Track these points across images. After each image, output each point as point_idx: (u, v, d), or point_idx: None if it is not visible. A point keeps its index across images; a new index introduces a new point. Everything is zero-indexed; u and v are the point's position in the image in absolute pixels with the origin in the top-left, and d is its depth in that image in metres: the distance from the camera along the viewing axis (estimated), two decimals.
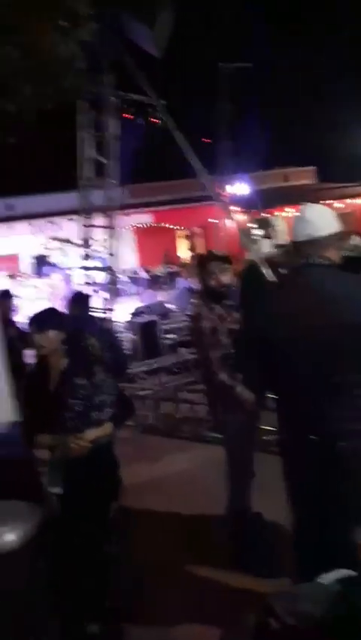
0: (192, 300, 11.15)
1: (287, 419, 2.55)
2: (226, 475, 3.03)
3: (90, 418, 2.43)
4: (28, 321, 2.68)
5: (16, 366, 3.66)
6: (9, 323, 4.32)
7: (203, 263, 3.01)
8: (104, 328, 4.86)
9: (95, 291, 8.15)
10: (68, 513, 2.53)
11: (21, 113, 2.99)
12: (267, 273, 3.48)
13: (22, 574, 1.84)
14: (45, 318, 2.67)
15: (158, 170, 15.24)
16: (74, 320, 3.80)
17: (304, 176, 16.55)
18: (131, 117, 7.79)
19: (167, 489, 4.05)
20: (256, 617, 1.15)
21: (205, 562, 3.12)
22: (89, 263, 8.22)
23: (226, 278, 2.88)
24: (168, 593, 2.86)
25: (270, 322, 2.53)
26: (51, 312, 2.79)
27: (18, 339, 4.04)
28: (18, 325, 4.45)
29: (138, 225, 16.19)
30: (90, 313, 4.45)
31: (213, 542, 3.30)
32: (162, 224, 17.35)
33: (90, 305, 4.48)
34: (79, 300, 4.26)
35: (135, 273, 15.36)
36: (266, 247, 5.59)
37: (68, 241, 15.17)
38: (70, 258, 14.51)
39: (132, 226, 15.60)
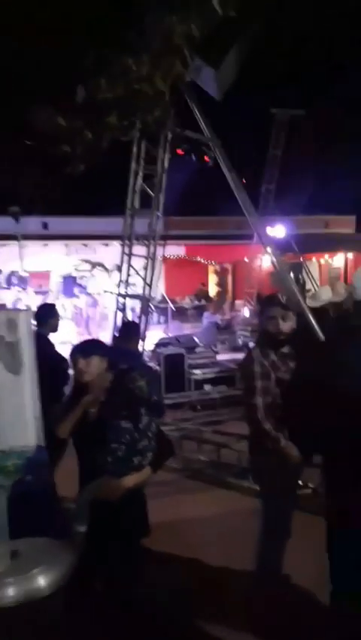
0: (218, 336, 11.14)
1: (337, 482, 2.43)
2: (260, 530, 2.89)
3: (131, 463, 2.34)
4: (72, 348, 2.64)
5: (52, 389, 3.59)
6: (49, 343, 4.24)
7: (264, 306, 2.94)
8: (148, 365, 4.69)
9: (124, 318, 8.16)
10: (92, 553, 2.42)
11: (98, 141, 3.02)
12: (317, 324, 3.38)
13: (50, 619, 1.72)
14: (91, 346, 2.66)
15: (195, 206, 15.45)
16: (122, 353, 3.70)
17: (344, 225, 16.53)
18: (182, 153, 7.95)
19: (184, 534, 3.88)
20: None
21: (220, 618, 2.95)
22: (123, 289, 8.24)
23: (287, 325, 2.80)
24: None
25: (326, 377, 2.43)
26: (96, 341, 2.82)
27: (57, 361, 3.96)
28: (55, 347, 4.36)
29: (168, 256, 16.34)
30: (138, 346, 4.29)
31: (231, 598, 3.13)
32: (193, 258, 17.48)
33: (139, 336, 4.32)
34: (129, 330, 4.09)
35: (162, 302, 15.38)
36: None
37: (100, 265, 15.38)
38: (98, 282, 14.64)
39: (163, 257, 15.75)
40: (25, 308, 3.58)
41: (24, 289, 13.34)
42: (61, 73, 2.50)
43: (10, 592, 1.60)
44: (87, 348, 2.58)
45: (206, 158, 8.11)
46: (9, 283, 13.82)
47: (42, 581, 1.65)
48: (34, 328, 3.86)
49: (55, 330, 4.40)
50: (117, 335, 4.02)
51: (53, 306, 5.03)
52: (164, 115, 3.29)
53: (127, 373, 2.47)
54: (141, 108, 3.06)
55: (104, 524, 2.39)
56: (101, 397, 2.51)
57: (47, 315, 4.35)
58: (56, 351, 4.22)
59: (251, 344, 9.65)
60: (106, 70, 2.70)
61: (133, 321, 6.43)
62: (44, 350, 3.98)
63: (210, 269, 18.39)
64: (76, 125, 2.86)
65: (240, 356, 9.16)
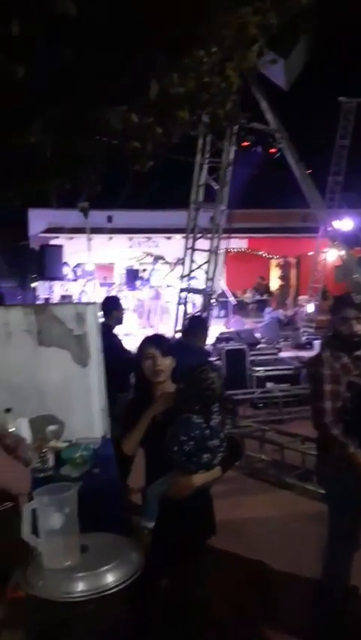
0: (281, 332, 10.91)
1: None
2: (327, 537, 2.79)
3: (200, 459, 2.29)
4: (146, 341, 2.54)
5: (119, 382, 3.62)
6: (115, 335, 4.30)
7: (337, 306, 2.81)
8: (216, 364, 4.64)
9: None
10: (159, 551, 2.42)
11: (167, 136, 3.01)
12: None
13: (115, 617, 1.72)
14: (168, 343, 2.58)
15: (260, 198, 15.18)
16: (191, 350, 3.68)
17: None
18: (248, 145, 7.80)
19: (246, 535, 3.83)
20: None
21: (280, 624, 2.89)
22: (185, 284, 8.24)
23: None
24: None
25: None
26: (169, 338, 2.73)
27: (124, 353, 4.00)
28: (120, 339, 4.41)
29: (230, 250, 16.19)
30: (205, 343, 4.26)
31: (291, 604, 3.06)
32: (255, 251, 17.23)
33: (207, 333, 4.29)
34: (197, 326, 4.08)
35: (222, 296, 15.28)
36: None
37: (162, 258, 15.51)
38: (160, 275, 14.77)
39: (225, 250, 15.64)
40: (92, 301, 3.65)
41: (90, 281, 13.70)
42: (133, 69, 2.50)
43: (80, 587, 1.62)
44: (165, 346, 2.48)
45: (272, 149, 7.93)
46: (75, 275, 14.26)
47: (111, 579, 1.65)
48: (101, 320, 3.95)
49: (120, 322, 4.47)
50: (185, 331, 4.00)
51: (117, 298, 5.11)
52: (235, 108, 3.20)
53: (200, 368, 2.40)
54: (212, 102, 3.00)
55: (172, 521, 2.38)
56: (166, 402, 2.46)
57: (111, 308, 4.42)
58: (121, 344, 4.28)
59: (316, 342, 9.39)
60: (178, 64, 2.66)
61: (201, 317, 6.39)
62: (111, 342, 4.06)
63: (273, 263, 18.05)
64: (147, 120, 2.84)
65: (304, 353, 8.94)
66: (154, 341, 2.51)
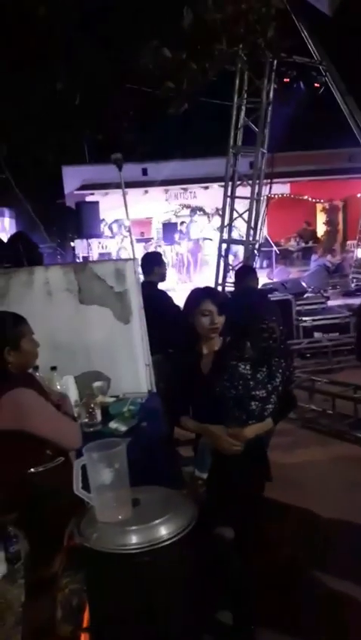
0: (328, 280, 10.53)
1: None
2: None
3: (248, 407, 2.23)
4: (202, 295, 2.43)
5: (163, 338, 3.58)
6: (163, 293, 4.24)
7: None
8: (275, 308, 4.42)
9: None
10: (215, 502, 2.41)
11: (203, 73, 2.77)
12: None
13: (171, 567, 1.73)
14: (220, 297, 2.50)
15: (303, 139, 14.35)
16: (245, 299, 3.57)
17: None
18: (288, 81, 7.24)
19: (300, 484, 3.82)
20: None
21: (334, 570, 2.90)
22: (226, 234, 7.98)
23: None
24: (296, 595, 2.70)
25: None
26: (217, 290, 2.65)
27: (174, 310, 3.93)
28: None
29: (272, 196, 15.54)
30: (258, 289, 4.14)
31: (346, 551, 3.06)
32: (299, 196, 16.49)
33: (257, 280, 4.17)
34: (247, 274, 3.96)
35: (265, 245, 14.84)
36: None
37: (200, 209, 15.14)
38: (199, 227, 14.44)
39: (267, 196, 15.02)
40: (130, 257, 3.58)
41: (127, 237, 13.59)
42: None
43: (134, 539, 1.63)
44: (220, 302, 2.40)
45: (316, 84, 7.34)
46: (112, 232, 14.18)
47: (164, 532, 1.65)
48: (141, 278, 3.88)
49: (163, 278, 4.36)
50: (236, 280, 3.90)
51: (158, 254, 4.98)
52: (277, 35, 2.88)
53: (257, 317, 2.31)
54: (252, 30, 2.70)
55: (226, 472, 2.35)
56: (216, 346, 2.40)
57: (153, 264, 4.32)
58: (172, 300, 4.20)
59: None
60: None
61: (250, 266, 6.18)
62: (160, 300, 4.01)
63: (318, 207, 17.25)
64: (180, 55, 2.61)
65: (354, 301, 8.61)
66: (211, 296, 2.40)
